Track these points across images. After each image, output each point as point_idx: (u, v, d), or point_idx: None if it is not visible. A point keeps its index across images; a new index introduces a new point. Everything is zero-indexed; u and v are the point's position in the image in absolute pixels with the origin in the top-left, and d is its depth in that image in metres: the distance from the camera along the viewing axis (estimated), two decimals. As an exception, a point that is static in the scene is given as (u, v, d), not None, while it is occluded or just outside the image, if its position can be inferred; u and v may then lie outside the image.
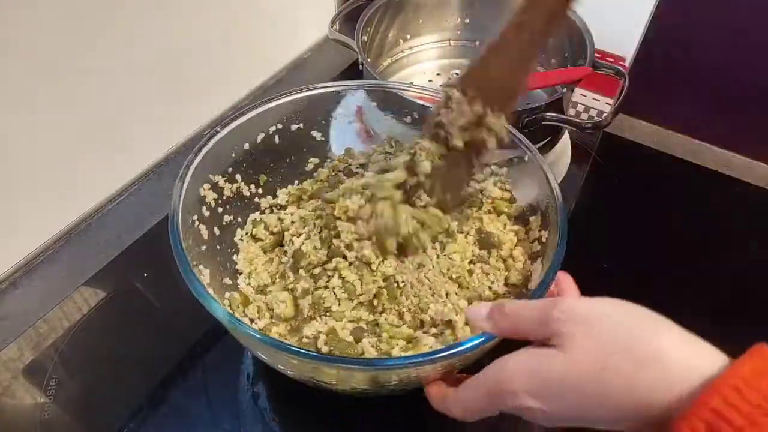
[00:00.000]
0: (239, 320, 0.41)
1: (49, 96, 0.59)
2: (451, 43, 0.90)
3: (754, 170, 0.82)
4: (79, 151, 0.65)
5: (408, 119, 0.60)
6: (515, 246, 0.55)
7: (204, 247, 0.51)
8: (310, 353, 0.40)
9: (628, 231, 0.71)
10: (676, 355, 0.30)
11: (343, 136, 0.61)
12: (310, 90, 0.58)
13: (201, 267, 0.49)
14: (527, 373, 0.33)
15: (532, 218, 0.54)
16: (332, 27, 0.79)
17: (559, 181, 0.73)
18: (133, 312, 0.61)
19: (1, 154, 0.57)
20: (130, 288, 0.62)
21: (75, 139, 0.64)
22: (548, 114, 0.67)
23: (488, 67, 0.45)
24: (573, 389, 0.32)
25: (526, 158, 0.53)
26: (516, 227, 0.56)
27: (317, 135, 0.61)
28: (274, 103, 0.56)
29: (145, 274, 0.62)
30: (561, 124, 0.69)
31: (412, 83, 0.85)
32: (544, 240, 0.51)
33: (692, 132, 0.88)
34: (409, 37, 0.88)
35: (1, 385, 0.54)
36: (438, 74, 0.88)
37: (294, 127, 0.59)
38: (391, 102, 0.60)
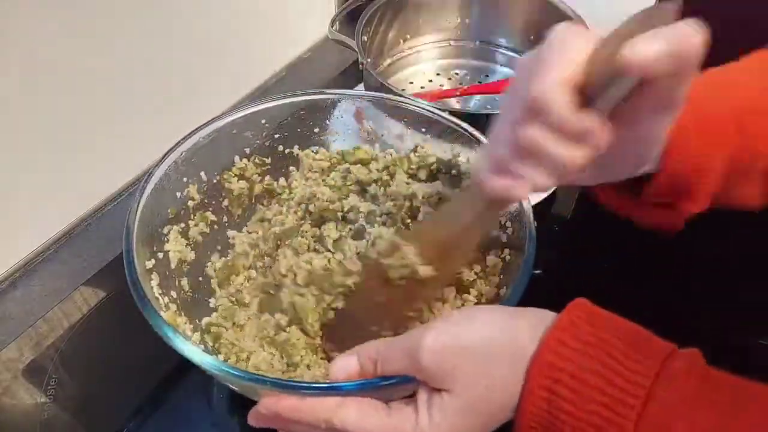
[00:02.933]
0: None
1: (49, 95, 0.59)
2: (451, 43, 0.90)
3: (754, 170, 0.81)
4: (79, 151, 0.65)
5: (407, 119, 0.60)
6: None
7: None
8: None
9: (628, 231, 0.70)
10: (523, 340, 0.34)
11: (343, 136, 0.61)
12: (305, 95, 0.58)
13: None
14: None
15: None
16: (332, 27, 0.79)
17: (558, 181, 0.73)
18: (133, 312, 0.60)
19: (0, 155, 0.57)
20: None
21: (74, 139, 0.64)
22: (548, 114, 0.67)
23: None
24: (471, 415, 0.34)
25: None
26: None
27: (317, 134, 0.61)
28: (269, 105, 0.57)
29: (145, 274, 0.62)
30: (561, 124, 0.69)
31: (411, 83, 0.86)
32: (507, 260, 0.50)
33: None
34: (409, 37, 0.88)
35: (1, 385, 0.54)
36: (438, 74, 0.88)
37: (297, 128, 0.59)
38: (389, 104, 0.60)
